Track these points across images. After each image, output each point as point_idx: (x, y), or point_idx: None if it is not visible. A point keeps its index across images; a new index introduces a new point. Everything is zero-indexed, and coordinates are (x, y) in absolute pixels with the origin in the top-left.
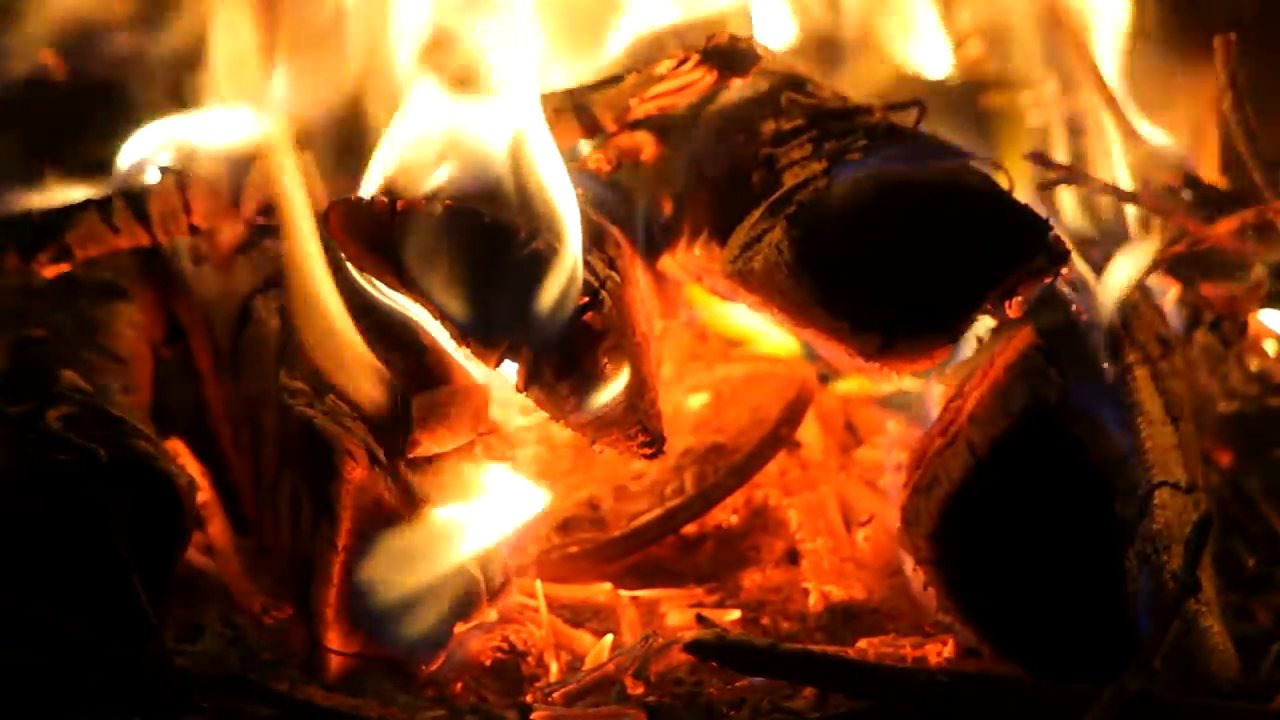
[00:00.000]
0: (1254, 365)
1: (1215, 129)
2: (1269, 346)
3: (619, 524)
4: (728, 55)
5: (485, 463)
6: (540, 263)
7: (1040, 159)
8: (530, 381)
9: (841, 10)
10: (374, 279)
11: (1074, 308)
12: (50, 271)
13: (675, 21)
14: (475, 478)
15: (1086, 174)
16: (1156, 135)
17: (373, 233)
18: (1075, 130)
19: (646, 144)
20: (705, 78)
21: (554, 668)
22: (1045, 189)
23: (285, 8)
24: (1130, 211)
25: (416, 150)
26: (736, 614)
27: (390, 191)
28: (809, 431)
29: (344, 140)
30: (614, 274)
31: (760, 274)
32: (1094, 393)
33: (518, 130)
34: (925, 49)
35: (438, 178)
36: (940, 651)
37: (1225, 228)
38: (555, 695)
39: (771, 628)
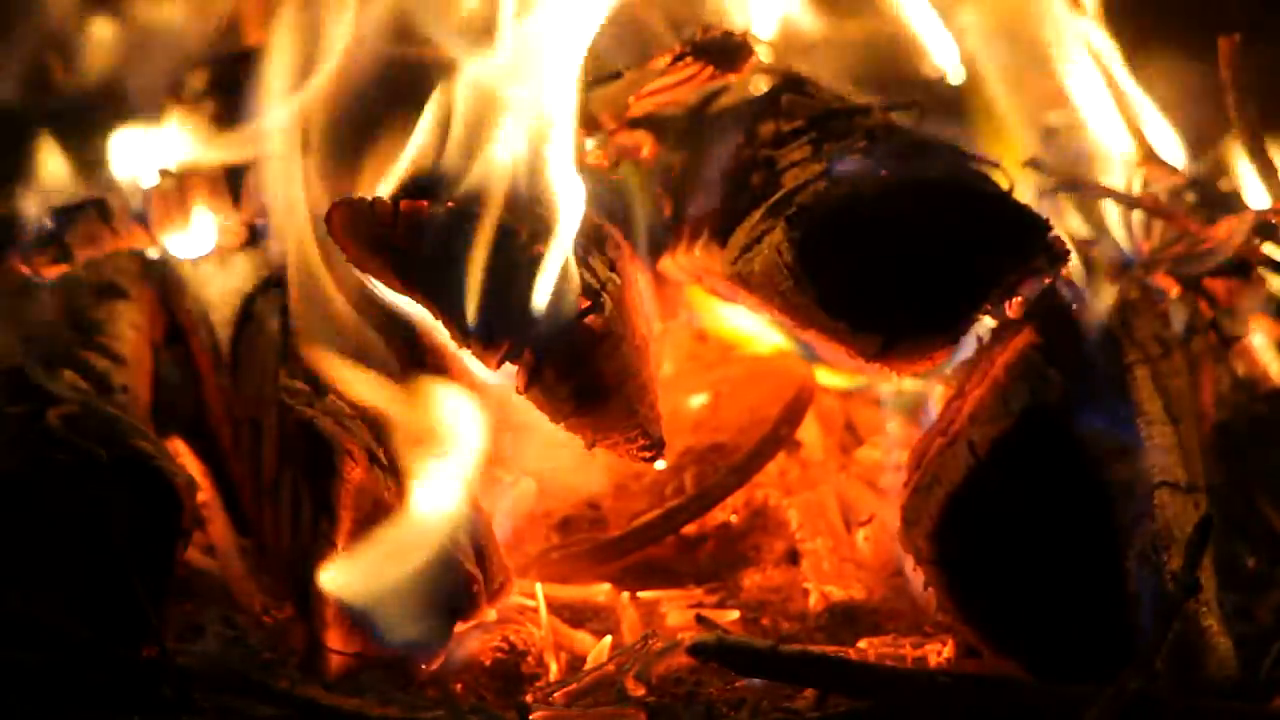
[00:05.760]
0: (1241, 370)
1: (1218, 129)
2: (1264, 351)
3: (619, 524)
4: (722, 49)
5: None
6: (542, 265)
7: (1040, 164)
8: (531, 383)
9: (841, 10)
10: (375, 280)
11: (1074, 308)
12: (50, 271)
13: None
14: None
15: (1086, 178)
16: (1159, 136)
17: (374, 234)
18: (1075, 130)
19: (645, 142)
20: (701, 73)
21: (554, 668)
22: (1045, 195)
23: (286, 7)
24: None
25: (420, 151)
26: (736, 614)
27: (392, 193)
28: (809, 431)
29: (346, 140)
30: (614, 276)
31: (760, 275)
32: (1094, 393)
33: (525, 128)
34: (926, 49)
35: (441, 179)
36: (940, 651)
37: (1226, 229)
38: (555, 695)
39: (771, 628)
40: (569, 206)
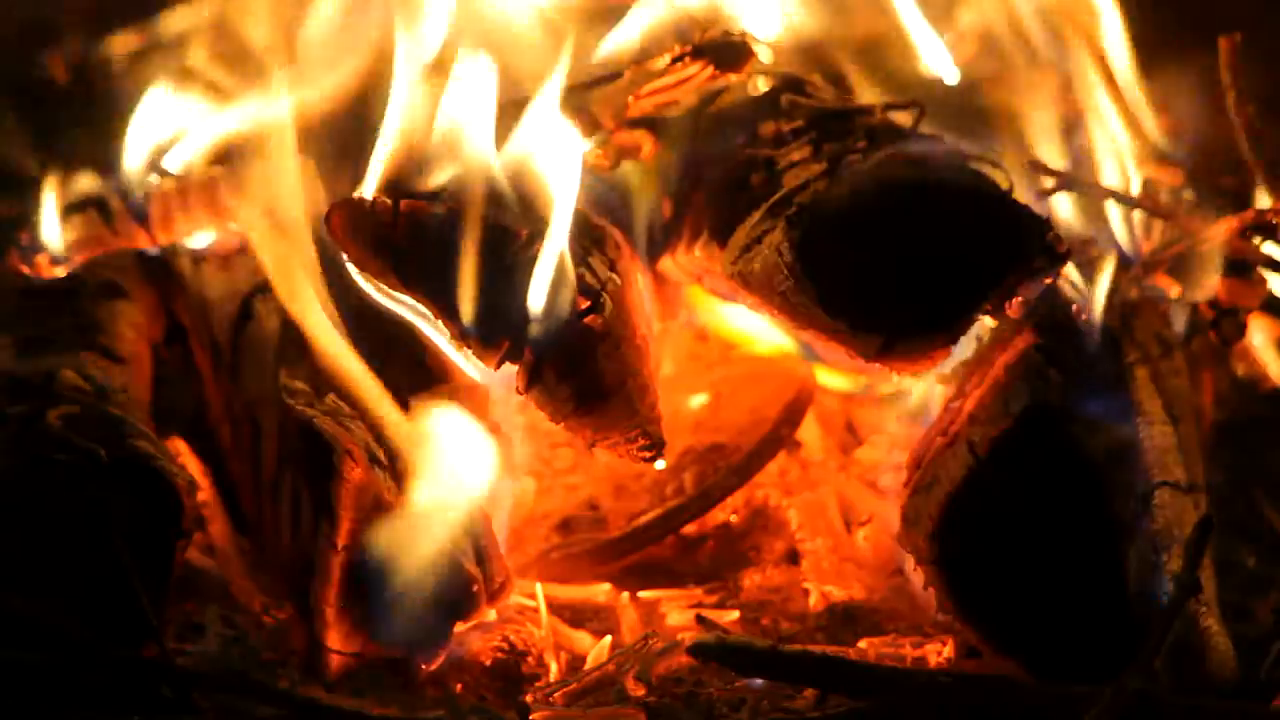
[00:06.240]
0: (1241, 370)
1: (1218, 129)
2: (1264, 351)
3: (619, 524)
4: (721, 50)
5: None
6: (539, 264)
7: (1039, 165)
8: (531, 384)
9: (841, 10)
10: (375, 280)
11: (1074, 308)
12: (50, 271)
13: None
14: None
15: (1085, 179)
16: (1158, 135)
17: (375, 234)
18: (1076, 130)
19: (645, 142)
20: (701, 73)
21: (554, 668)
22: (1045, 196)
23: (288, 7)
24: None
25: (419, 152)
26: (736, 614)
27: (393, 193)
28: (809, 431)
29: (347, 141)
30: (615, 276)
31: (760, 275)
32: (1094, 393)
33: (524, 130)
34: (925, 49)
35: (440, 179)
36: (940, 651)
37: (1226, 229)
38: (555, 695)
39: (771, 628)
40: (563, 205)
